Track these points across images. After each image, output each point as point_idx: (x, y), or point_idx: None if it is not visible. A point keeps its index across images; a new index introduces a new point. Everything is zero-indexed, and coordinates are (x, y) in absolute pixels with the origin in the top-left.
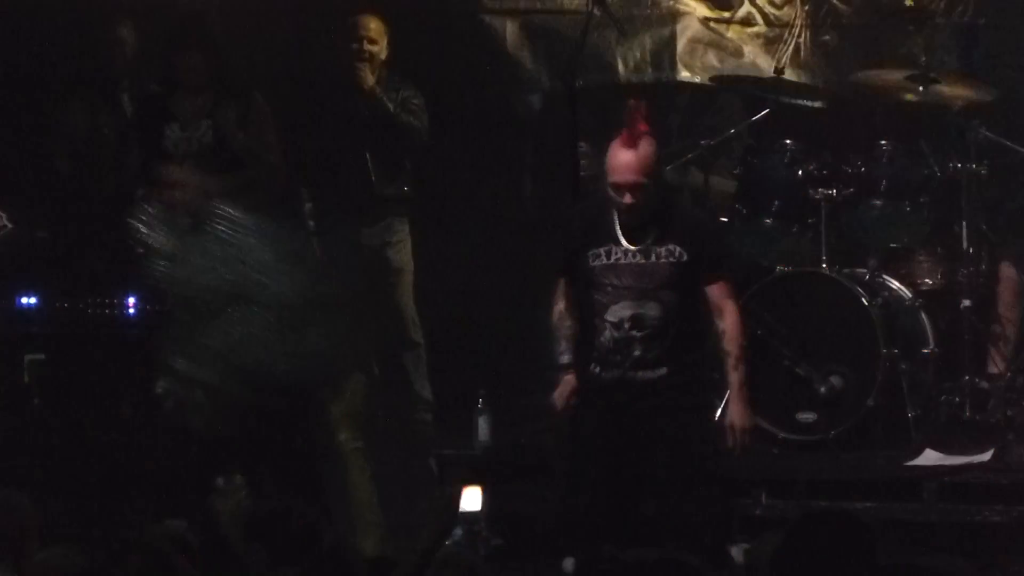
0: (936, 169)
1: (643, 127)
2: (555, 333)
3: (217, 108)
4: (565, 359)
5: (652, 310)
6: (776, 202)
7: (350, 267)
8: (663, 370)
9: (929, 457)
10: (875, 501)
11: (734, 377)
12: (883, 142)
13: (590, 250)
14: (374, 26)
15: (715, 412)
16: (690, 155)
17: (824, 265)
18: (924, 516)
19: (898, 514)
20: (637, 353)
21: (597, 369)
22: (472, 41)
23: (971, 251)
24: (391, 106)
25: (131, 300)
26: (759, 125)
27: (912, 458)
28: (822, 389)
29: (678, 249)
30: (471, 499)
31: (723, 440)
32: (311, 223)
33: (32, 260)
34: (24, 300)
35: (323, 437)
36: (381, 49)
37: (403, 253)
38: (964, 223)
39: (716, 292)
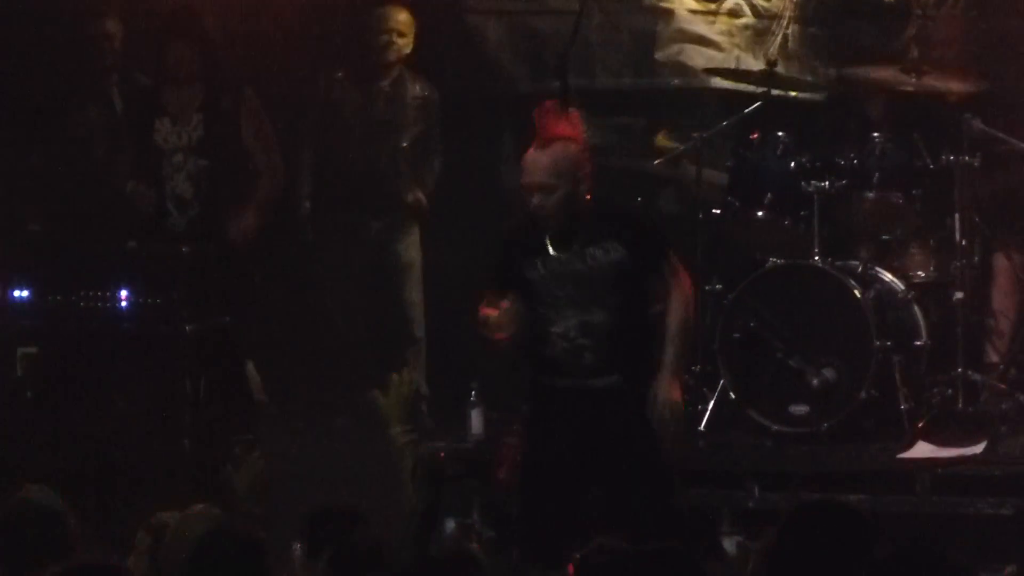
0: (929, 161)
1: (556, 129)
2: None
3: (208, 102)
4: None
5: (598, 316)
6: (768, 194)
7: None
8: (617, 376)
9: (922, 449)
10: (868, 493)
11: (668, 350)
12: (875, 134)
13: (526, 263)
14: (403, 18)
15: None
16: (682, 148)
17: (816, 257)
18: (917, 508)
19: (891, 506)
20: (588, 361)
21: (550, 378)
22: (457, 40)
23: (964, 243)
24: (409, 103)
25: (123, 293)
26: (751, 118)
27: (905, 450)
28: (815, 382)
29: (611, 248)
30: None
31: (649, 413)
32: (307, 204)
33: (25, 253)
34: (16, 293)
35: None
36: (408, 43)
37: (412, 247)
38: (957, 215)
39: (661, 280)
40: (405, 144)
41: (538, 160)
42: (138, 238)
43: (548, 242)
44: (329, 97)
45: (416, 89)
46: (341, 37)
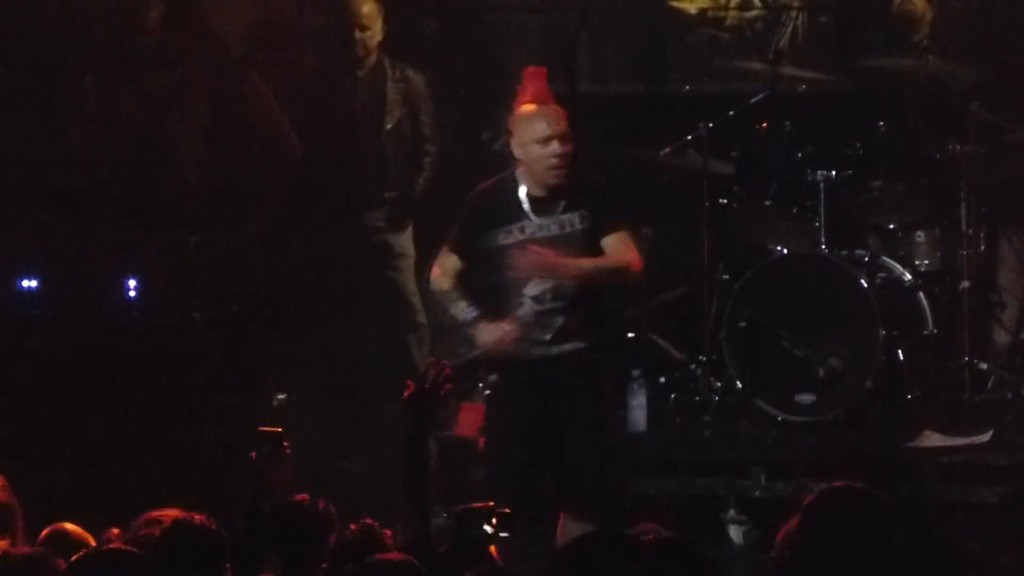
0: (935, 150)
1: (548, 92)
2: (442, 293)
3: (213, 89)
4: (473, 311)
5: (569, 281)
6: (775, 184)
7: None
8: (582, 342)
9: (928, 438)
10: (874, 483)
11: (582, 260)
12: (881, 123)
13: (499, 229)
14: (367, 11)
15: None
16: (689, 137)
17: (823, 247)
18: (923, 498)
19: (897, 496)
20: (559, 324)
21: (516, 347)
22: (467, 33)
23: (970, 232)
24: (389, 89)
25: (132, 282)
26: (758, 107)
27: (911, 439)
28: (821, 371)
29: (583, 216)
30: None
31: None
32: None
33: (34, 243)
34: (25, 283)
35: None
36: (374, 34)
37: (404, 237)
38: (963, 204)
39: (610, 243)
40: (389, 127)
41: (551, 112)
42: (147, 227)
43: (527, 206)
44: (308, 92)
45: (396, 74)
46: (313, 33)
